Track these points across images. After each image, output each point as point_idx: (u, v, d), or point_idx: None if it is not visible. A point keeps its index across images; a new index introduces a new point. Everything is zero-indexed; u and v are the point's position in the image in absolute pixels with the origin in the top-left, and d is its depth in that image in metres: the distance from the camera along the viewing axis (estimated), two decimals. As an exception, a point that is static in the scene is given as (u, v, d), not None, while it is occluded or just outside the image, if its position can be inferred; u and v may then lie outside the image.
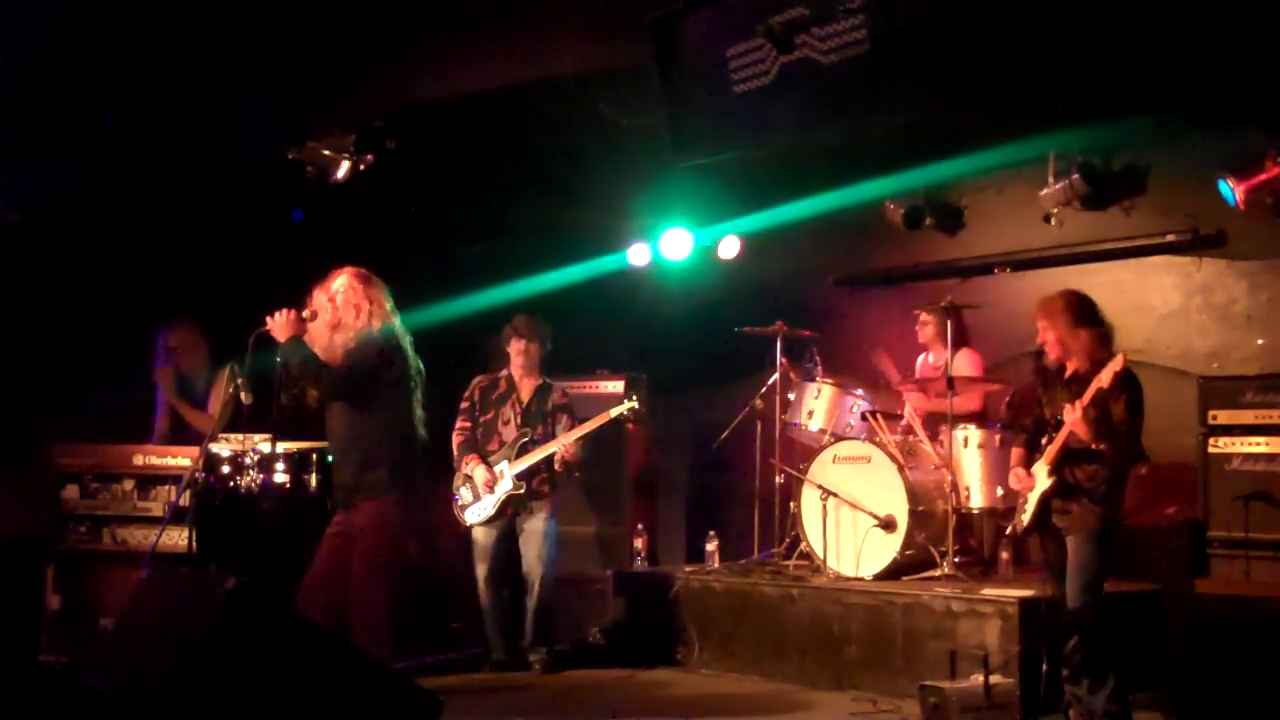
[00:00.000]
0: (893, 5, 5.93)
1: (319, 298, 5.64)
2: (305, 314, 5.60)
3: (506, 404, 7.39)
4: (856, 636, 6.60)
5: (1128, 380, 5.48)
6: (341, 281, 5.62)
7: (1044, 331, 5.73)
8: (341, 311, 5.56)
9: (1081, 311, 5.66)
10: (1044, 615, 6.02)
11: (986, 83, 5.98)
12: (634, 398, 7.31)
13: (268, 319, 5.56)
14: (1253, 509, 6.10)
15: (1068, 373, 5.72)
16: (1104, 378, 5.37)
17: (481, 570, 7.27)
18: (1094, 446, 5.51)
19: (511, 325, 7.44)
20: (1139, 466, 5.98)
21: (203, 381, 7.58)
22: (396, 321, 5.65)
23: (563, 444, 7.14)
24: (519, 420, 7.34)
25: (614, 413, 7.19)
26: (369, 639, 5.37)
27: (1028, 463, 5.81)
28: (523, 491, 7.18)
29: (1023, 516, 5.81)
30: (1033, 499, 5.72)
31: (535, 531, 7.23)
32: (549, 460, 7.19)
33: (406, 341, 5.66)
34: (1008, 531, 6.30)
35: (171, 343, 7.62)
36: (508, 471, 7.20)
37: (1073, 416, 5.47)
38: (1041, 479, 5.67)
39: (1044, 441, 5.71)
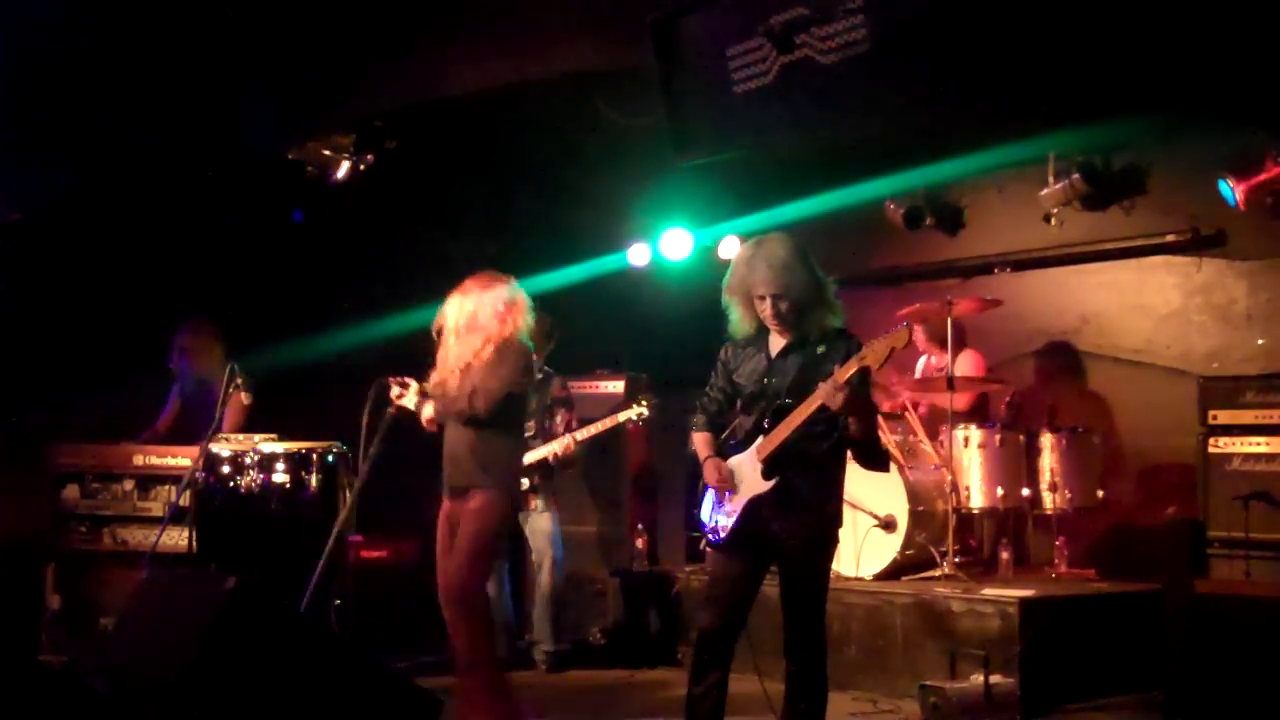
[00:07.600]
0: (893, 5, 5.93)
1: (451, 317, 5.47)
2: (430, 386, 5.56)
3: None
4: (856, 636, 6.60)
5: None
6: (472, 301, 5.49)
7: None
8: (477, 332, 5.46)
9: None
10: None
11: (987, 82, 5.97)
12: (644, 401, 7.17)
13: (395, 392, 5.52)
14: (1252, 509, 6.10)
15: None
16: (876, 351, 4.30)
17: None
18: (849, 424, 4.44)
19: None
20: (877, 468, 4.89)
21: (216, 382, 7.57)
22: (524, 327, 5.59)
23: (564, 444, 7.14)
24: None
25: (622, 417, 7.16)
26: (462, 622, 5.38)
27: (724, 453, 4.69)
28: (526, 487, 7.18)
29: (725, 522, 4.62)
30: (738, 503, 4.59)
31: (542, 529, 7.31)
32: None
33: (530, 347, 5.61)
34: (702, 545, 4.81)
35: (184, 343, 7.62)
36: None
37: (834, 389, 4.29)
38: (755, 479, 4.55)
39: (738, 425, 4.68)
